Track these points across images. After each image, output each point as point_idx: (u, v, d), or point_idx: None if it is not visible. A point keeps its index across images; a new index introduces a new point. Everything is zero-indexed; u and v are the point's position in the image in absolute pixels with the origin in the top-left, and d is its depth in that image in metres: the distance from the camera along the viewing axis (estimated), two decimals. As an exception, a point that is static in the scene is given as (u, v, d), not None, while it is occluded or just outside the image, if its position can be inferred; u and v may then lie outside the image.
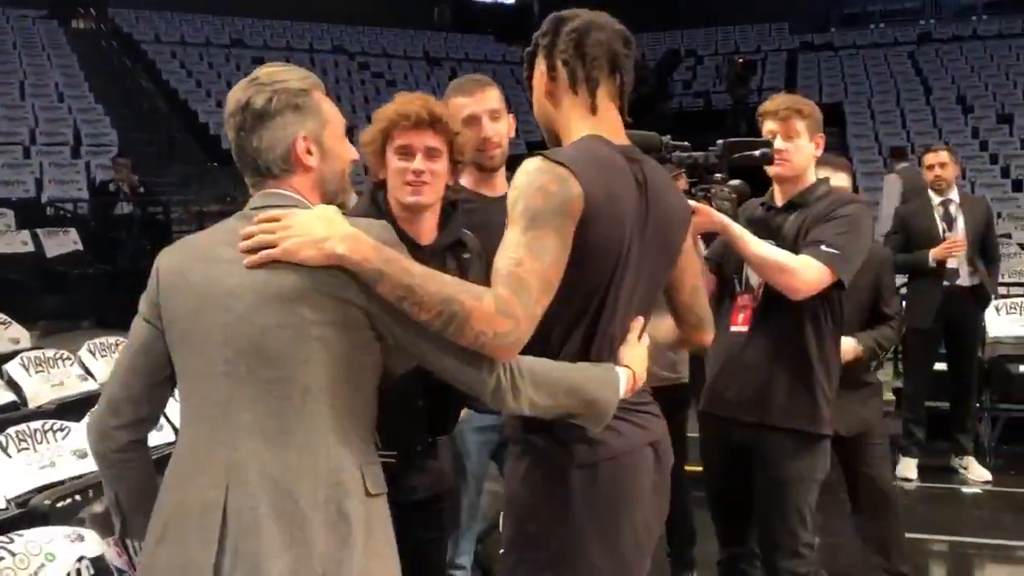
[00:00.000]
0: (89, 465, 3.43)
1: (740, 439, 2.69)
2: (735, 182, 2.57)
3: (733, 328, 2.69)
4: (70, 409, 4.12)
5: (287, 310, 1.52)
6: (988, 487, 5.14)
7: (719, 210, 2.48)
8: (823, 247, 2.50)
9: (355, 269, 1.52)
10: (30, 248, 9.70)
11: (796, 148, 2.65)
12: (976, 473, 5.20)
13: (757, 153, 2.48)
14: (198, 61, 17.39)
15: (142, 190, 10.85)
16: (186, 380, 1.63)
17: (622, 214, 1.73)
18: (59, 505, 2.89)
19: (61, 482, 3.22)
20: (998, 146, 14.24)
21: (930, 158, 5.19)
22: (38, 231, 9.86)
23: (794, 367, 2.60)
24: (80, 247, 10.01)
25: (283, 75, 1.64)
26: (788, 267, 2.49)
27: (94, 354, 4.99)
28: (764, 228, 2.68)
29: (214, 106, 15.67)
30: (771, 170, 2.69)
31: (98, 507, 2.41)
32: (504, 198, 2.35)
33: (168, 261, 1.67)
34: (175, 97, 15.90)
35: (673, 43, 21.60)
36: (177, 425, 3.92)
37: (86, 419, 1.76)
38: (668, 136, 2.40)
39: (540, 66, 1.85)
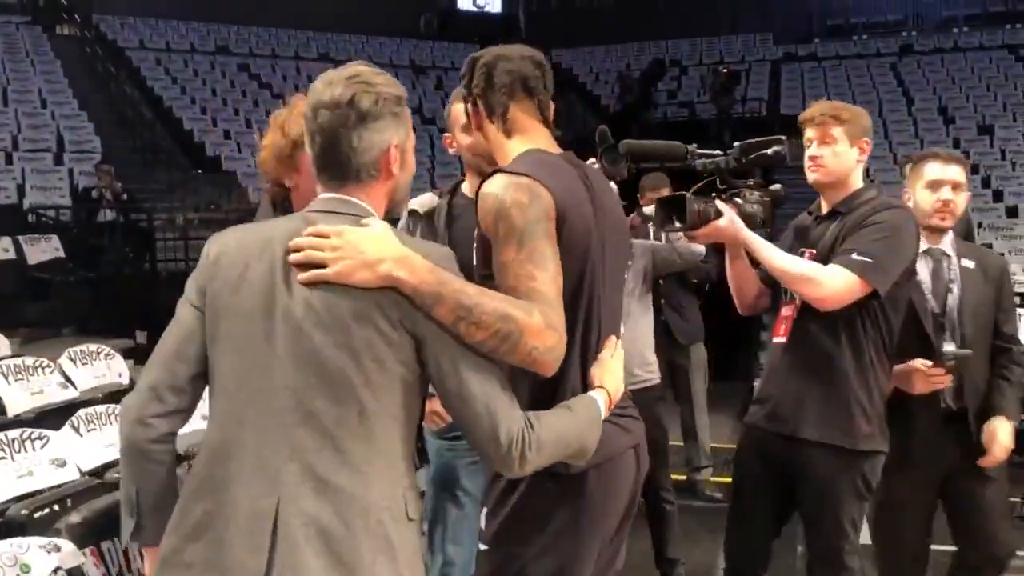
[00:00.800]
0: (67, 475, 3.39)
1: (777, 453, 2.63)
2: (775, 187, 2.55)
3: (775, 339, 2.68)
4: (49, 418, 4.08)
5: (346, 331, 1.52)
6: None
7: (745, 214, 2.45)
8: (855, 255, 2.45)
9: (411, 292, 1.53)
10: (11, 255, 9.61)
11: (833, 154, 2.61)
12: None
13: (770, 152, 2.45)
14: (183, 68, 17.29)
15: (125, 197, 10.78)
16: (228, 379, 1.59)
17: (584, 214, 1.82)
18: (36, 515, 2.86)
19: (39, 491, 3.19)
20: (979, 157, 14.36)
21: (914, 168, 5.20)
22: (19, 238, 9.76)
23: (828, 379, 2.54)
24: (62, 254, 9.93)
25: (379, 79, 1.64)
26: (813, 278, 2.45)
27: (75, 362, 4.95)
28: (807, 237, 2.65)
29: (199, 113, 15.60)
30: (809, 177, 2.65)
31: (75, 517, 2.38)
32: None
33: (225, 251, 1.63)
34: (159, 104, 15.79)
35: (658, 53, 21.66)
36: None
37: (122, 405, 1.69)
38: (695, 144, 2.42)
39: (468, 104, 1.99)
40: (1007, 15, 20.21)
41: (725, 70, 16.91)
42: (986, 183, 13.56)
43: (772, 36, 21.39)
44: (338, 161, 1.62)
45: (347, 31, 20.63)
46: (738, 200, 2.46)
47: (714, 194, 2.48)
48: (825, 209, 2.69)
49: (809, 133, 2.64)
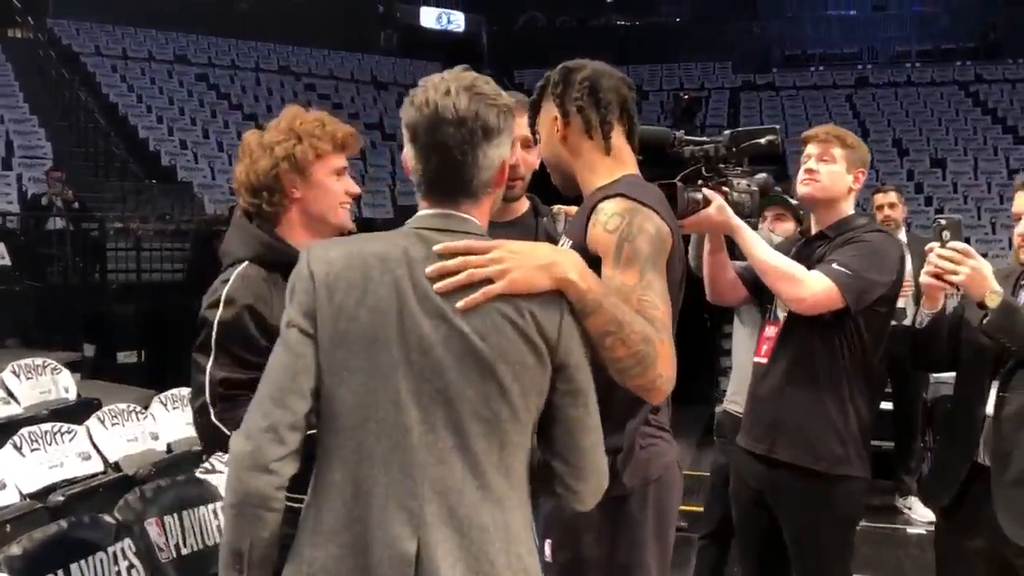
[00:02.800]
0: (8, 498, 3.21)
1: (757, 474, 2.65)
2: (760, 176, 2.50)
3: (756, 359, 2.69)
4: (-10, 435, 3.86)
5: (495, 363, 1.43)
6: (932, 527, 5.14)
7: (735, 203, 2.40)
8: (835, 265, 2.45)
9: (576, 296, 1.48)
10: (-46, 262, 9.29)
11: (829, 172, 2.60)
12: (920, 513, 5.19)
13: (763, 141, 2.40)
14: (140, 76, 16.96)
15: (77, 205, 10.48)
16: (348, 413, 1.45)
17: (679, 248, 1.86)
18: (-27, 542, 2.67)
19: (-23, 515, 3.01)
20: (932, 189, 14.67)
21: (880, 198, 5.25)
22: (-36, 245, 9.45)
23: (805, 401, 2.53)
24: (8, 262, 9.61)
25: (492, 88, 1.54)
26: (795, 276, 2.44)
27: (18, 376, 4.74)
28: (796, 257, 2.63)
29: (155, 122, 15.32)
30: (801, 192, 2.65)
31: (16, 549, 2.22)
32: (513, 224, 2.31)
33: (331, 270, 1.46)
34: (114, 111, 15.47)
35: (620, 77, 21.84)
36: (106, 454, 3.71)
37: (233, 453, 1.46)
38: (682, 131, 2.39)
39: (550, 112, 1.92)
40: (956, 52, 20.77)
41: (686, 96, 17.10)
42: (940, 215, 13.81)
43: (731, 64, 21.70)
44: (459, 179, 1.51)
45: (308, 44, 20.47)
46: (725, 189, 2.39)
47: (700, 181, 2.39)
48: (815, 230, 2.70)
49: (810, 149, 2.64)
